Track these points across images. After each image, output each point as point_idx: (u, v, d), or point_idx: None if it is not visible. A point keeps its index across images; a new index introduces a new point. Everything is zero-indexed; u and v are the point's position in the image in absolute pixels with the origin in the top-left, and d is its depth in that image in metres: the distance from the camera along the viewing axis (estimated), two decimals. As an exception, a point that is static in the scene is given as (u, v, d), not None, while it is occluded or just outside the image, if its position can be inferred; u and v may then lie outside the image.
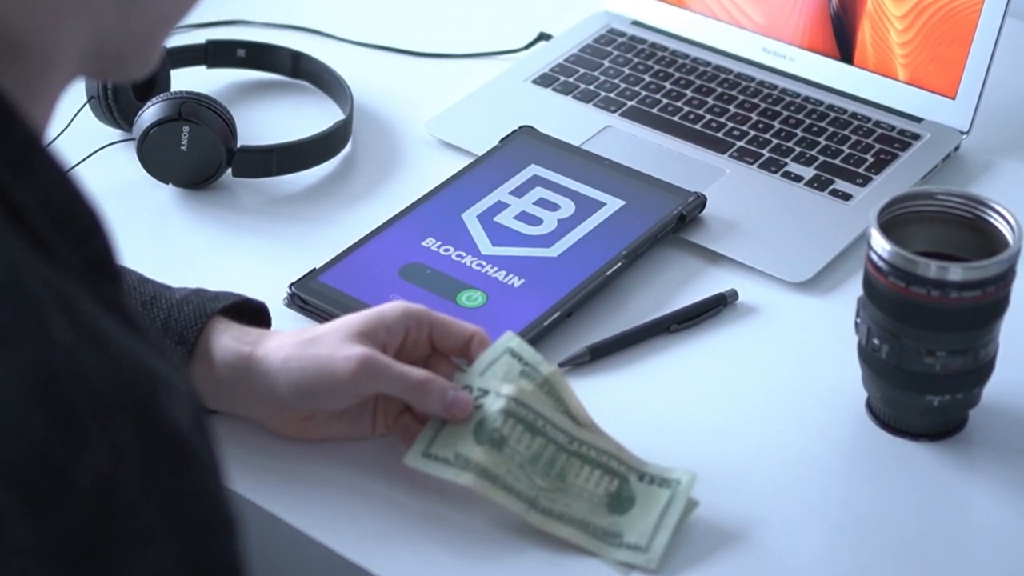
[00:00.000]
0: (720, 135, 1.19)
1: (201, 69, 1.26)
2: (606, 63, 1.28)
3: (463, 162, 1.16)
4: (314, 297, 1.02)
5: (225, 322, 0.91)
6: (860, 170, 1.16)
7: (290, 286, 1.03)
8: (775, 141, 1.18)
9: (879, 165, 1.16)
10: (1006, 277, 0.89)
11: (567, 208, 1.10)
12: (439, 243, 1.06)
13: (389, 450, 0.91)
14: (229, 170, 1.14)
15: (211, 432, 0.56)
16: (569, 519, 0.86)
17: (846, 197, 1.13)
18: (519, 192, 1.11)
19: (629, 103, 1.23)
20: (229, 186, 1.15)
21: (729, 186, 1.14)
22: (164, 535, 0.52)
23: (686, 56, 1.28)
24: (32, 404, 0.49)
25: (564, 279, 1.03)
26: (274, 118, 1.23)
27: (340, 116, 1.20)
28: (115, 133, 1.18)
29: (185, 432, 0.53)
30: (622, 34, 1.31)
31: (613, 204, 1.10)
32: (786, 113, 1.21)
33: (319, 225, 1.12)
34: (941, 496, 0.90)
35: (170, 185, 1.14)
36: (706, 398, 0.97)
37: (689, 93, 1.24)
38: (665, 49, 1.29)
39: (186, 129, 1.11)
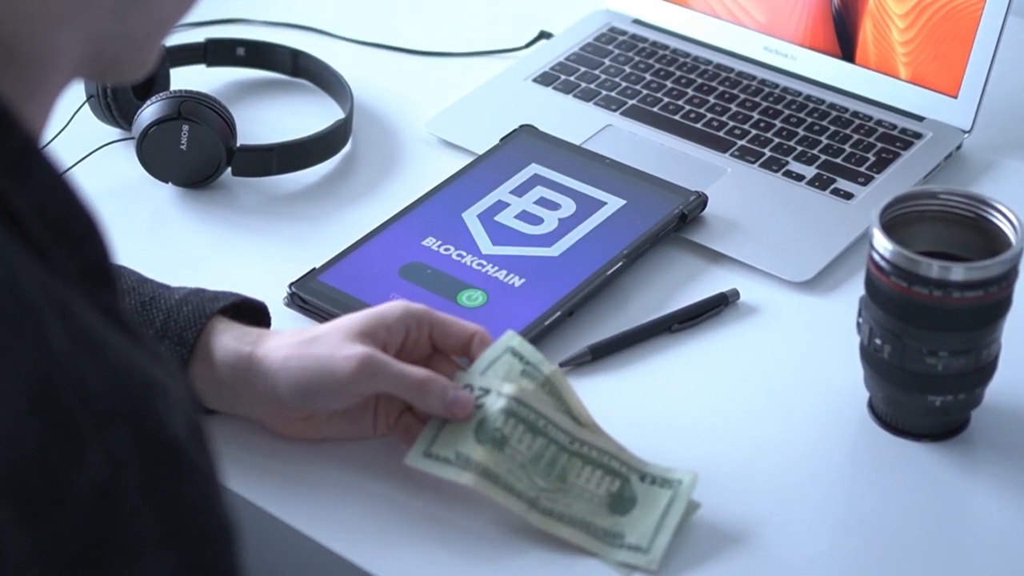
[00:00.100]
0: (721, 134, 1.19)
1: (200, 68, 1.26)
2: (607, 62, 1.27)
3: (463, 161, 1.15)
4: (314, 297, 1.01)
5: (225, 322, 0.91)
6: (862, 169, 1.15)
7: (290, 285, 1.02)
8: (776, 140, 1.18)
9: (881, 164, 1.16)
10: (1008, 277, 0.88)
11: (568, 207, 1.09)
12: (439, 242, 1.06)
13: (390, 450, 0.91)
14: (229, 169, 1.14)
15: (208, 439, 0.56)
16: (570, 519, 0.85)
17: (848, 196, 1.13)
18: (520, 191, 1.11)
19: (630, 102, 1.23)
20: (229, 185, 1.15)
21: (730, 185, 1.14)
22: (161, 543, 0.51)
23: (687, 55, 1.28)
24: (29, 411, 0.49)
25: (565, 278, 1.03)
26: (274, 117, 1.22)
27: (340, 115, 1.20)
28: (114, 132, 1.18)
29: (182, 440, 0.53)
30: (623, 32, 1.31)
31: (614, 203, 1.09)
32: (787, 112, 1.21)
33: (319, 224, 1.12)
34: (943, 496, 0.90)
35: (170, 184, 1.14)
36: (707, 398, 0.97)
37: (690, 92, 1.24)
38: (666, 48, 1.28)
39: (186, 128, 1.11)
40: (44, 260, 0.52)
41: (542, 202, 1.10)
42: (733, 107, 1.22)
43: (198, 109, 1.12)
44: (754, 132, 1.19)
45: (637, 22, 1.32)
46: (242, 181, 1.15)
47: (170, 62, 1.22)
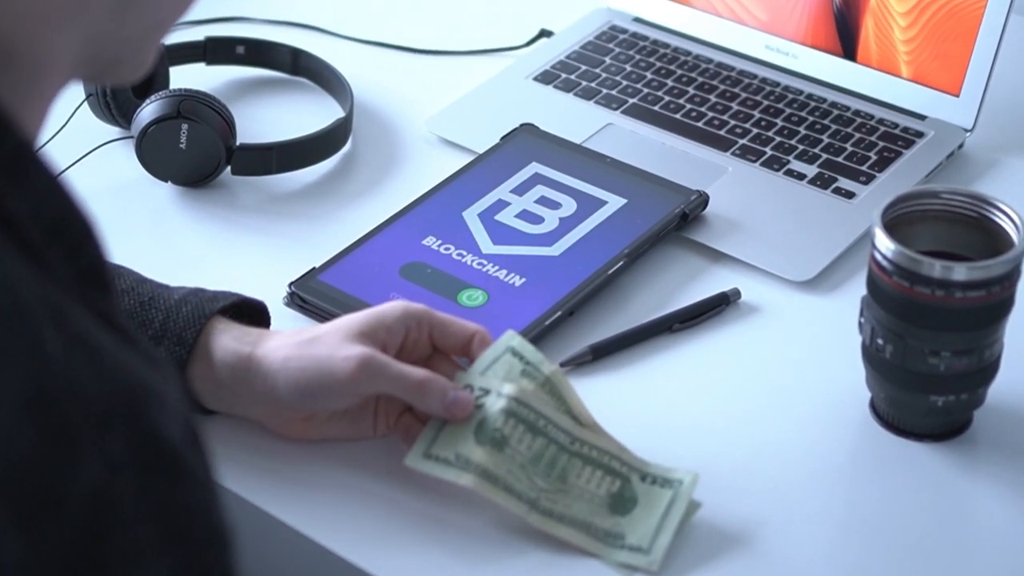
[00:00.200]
0: (722, 133, 1.19)
1: (200, 66, 1.26)
2: (608, 60, 1.27)
3: (464, 160, 1.15)
4: (314, 296, 1.01)
5: (224, 322, 0.90)
6: (863, 168, 1.15)
7: (290, 285, 1.02)
8: (778, 139, 1.18)
9: (882, 163, 1.16)
10: (1011, 277, 0.88)
11: (568, 206, 1.09)
12: (440, 242, 1.06)
13: (390, 451, 0.90)
14: (228, 168, 1.13)
15: (204, 443, 0.55)
16: (570, 520, 0.85)
17: (849, 195, 1.13)
18: (520, 190, 1.11)
19: (631, 100, 1.22)
20: (228, 184, 1.14)
21: (731, 184, 1.14)
22: (157, 549, 0.51)
23: (688, 53, 1.27)
24: (24, 417, 0.49)
25: (565, 278, 1.03)
26: (273, 115, 1.22)
27: (340, 114, 1.19)
28: (113, 131, 1.18)
29: (178, 445, 0.53)
30: (624, 31, 1.30)
31: (615, 202, 1.09)
32: (789, 111, 1.21)
33: (319, 223, 1.11)
34: (945, 497, 0.90)
35: (169, 183, 1.13)
36: (708, 398, 0.97)
37: (691, 90, 1.23)
38: (667, 46, 1.28)
39: (185, 127, 1.11)
40: (39, 264, 0.52)
41: (543, 201, 1.10)
42: (734, 106, 1.21)
43: (197, 108, 1.11)
44: (755, 131, 1.19)
45: (638, 20, 1.31)
46: (242, 180, 1.14)
47: (169, 60, 1.22)
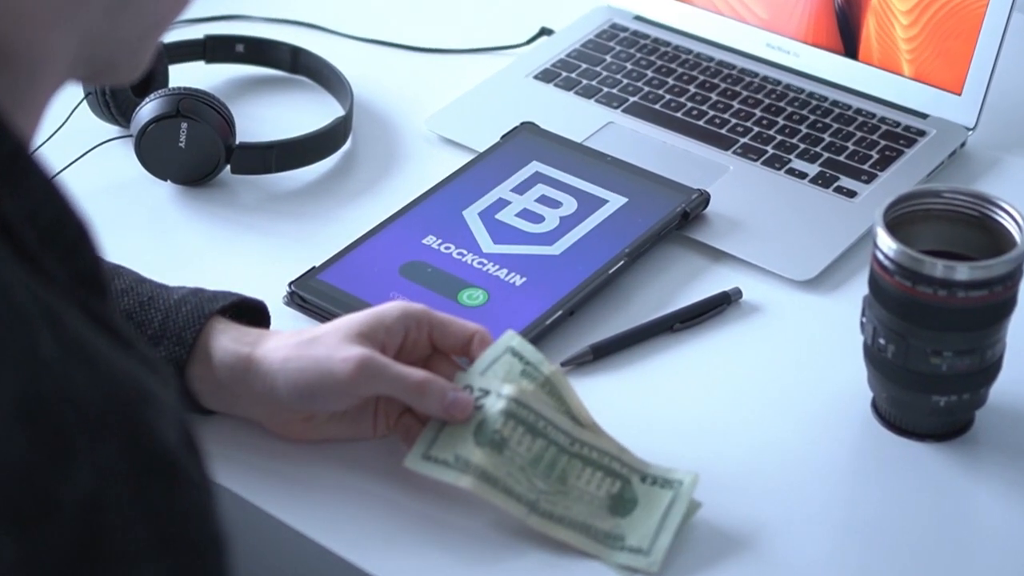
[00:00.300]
0: (724, 131, 1.19)
1: (199, 64, 1.25)
2: (608, 58, 1.27)
3: (464, 159, 1.15)
4: (314, 296, 1.01)
5: (224, 322, 0.90)
6: (865, 167, 1.15)
7: (289, 284, 1.02)
8: (779, 137, 1.18)
9: (884, 162, 1.15)
10: (1013, 276, 0.88)
11: (569, 205, 1.09)
12: (440, 241, 1.05)
13: (389, 451, 0.90)
14: (228, 167, 1.13)
15: (200, 447, 0.55)
16: (570, 522, 0.85)
17: (851, 194, 1.12)
18: (520, 189, 1.10)
19: (632, 99, 1.22)
20: (228, 183, 1.14)
21: (733, 183, 1.13)
22: (152, 554, 0.51)
23: (689, 51, 1.27)
24: (17, 421, 0.49)
25: (566, 277, 1.02)
26: (273, 114, 1.22)
27: (340, 112, 1.19)
28: (113, 129, 1.17)
29: (173, 449, 0.52)
30: (624, 29, 1.30)
31: (616, 201, 1.09)
32: (790, 109, 1.20)
33: (319, 222, 1.11)
34: (947, 497, 0.90)
35: (168, 182, 1.13)
36: (709, 398, 0.96)
37: (692, 89, 1.23)
38: (668, 44, 1.28)
39: (184, 125, 1.11)
40: (34, 267, 0.52)
41: (543, 200, 1.09)
42: (735, 104, 1.21)
43: (197, 106, 1.11)
44: (756, 129, 1.19)
45: (639, 19, 1.31)
46: (241, 179, 1.14)
47: (169, 59, 1.22)
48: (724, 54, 1.26)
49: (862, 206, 1.11)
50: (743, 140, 1.17)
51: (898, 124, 1.19)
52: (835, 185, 1.13)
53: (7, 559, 0.48)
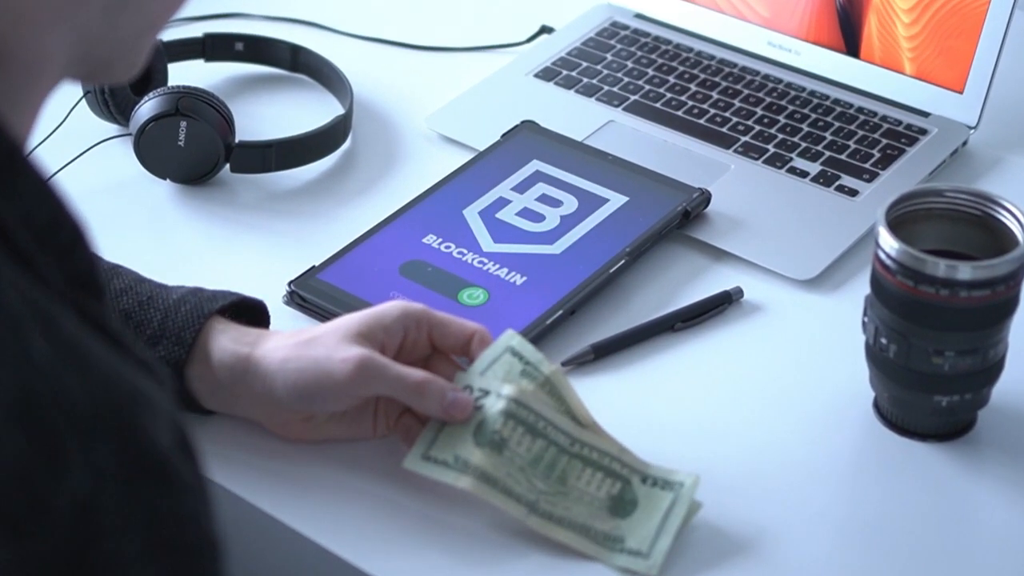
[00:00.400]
0: (725, 130, 1.18)
1: (199, 63, 1.25)
2: (609, 57, 1.26)
3: (464, 157, 1.14)
4: (313, 295, 1.01)
5: (223, 322, 0.90)
6: (867, 165, 1.14)
7: (289, 284, 1.01)
8: (780, 136, 1.17)
9: (886, 160, 1.15)
10: (1016, 276, 0.87)
11: (570, 204, 1.08)
12: (440, 240, 1.05)
13: (389, 451, 0.90)
14: (227, 166, 1.13)
15: (195, 450, 0.55)
16: (570, 523, 0.84)
17: (852, 193, 1.12)
18: (521, 188, 1.10)
19: (632, 97, 1.22)
20: (227, 182, 1.14)
21: (734, 182, 1.13)
22: (145, 558, 0.51)
23: (690, 50, 1.27)
24: (9, 425, 0.48)
25: (567, 277, 1.02)
26: (273, 113, 1.22)
27: (339, 111, 1.19)
28: (112, 128, 1.17)
29: (167, 453, 0.52)
30: (625, 27, 1.30)
31: (616, 200, 1.08)
32: (791, 108, 1.20)
33: (318, 221, 1.11)
34: (949, 497, 0.89)
35: (167, 181, 1.13)
36: (710, 398, 0.96)
37: (693, 87, 1.23)
38: (669, 43, 1.27)
39: (183, 124, 1.10)
40: (28, 269, 0.51)
41: (544, 199, 1.09)
42: (736, 103, 1.21)
43: (196, 105, 1.11)
44: (758, 128, 1.18)
45: (639, 17, 1.31)
46: (241, 178, 1.14)
47: (168, 57, 1.22)
48: (725, 52, 1.26)
49: (864, 205, 1.11)
50: (744, 139, 1.17)
51: (900, 123, 1.18)
52: (836, 184, 1.13)
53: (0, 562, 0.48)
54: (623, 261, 1.04)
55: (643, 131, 1.19)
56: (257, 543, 0.89)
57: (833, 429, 0.94)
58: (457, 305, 1.00)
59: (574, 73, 1.25)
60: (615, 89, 1.23)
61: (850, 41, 1.21)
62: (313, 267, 1.03)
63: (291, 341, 0.87)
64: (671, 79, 1.24)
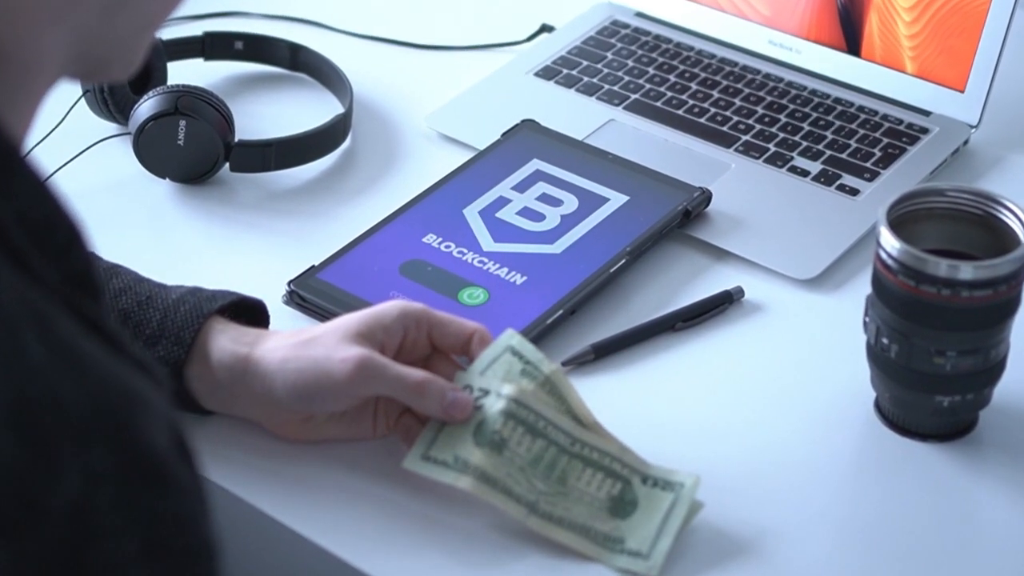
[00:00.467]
0: (725, 129, 1.18)
1: (198, 62, 1.25)
2: (609, 55, 1.26)
3: (464, 156, 1.14)
4: (313, 295, 1.00)
5: (223, 322, 0.90)
6: (868, 164, 1.14)
7: (289, 283, 1.01)
8: (781, 135, 1.17)
9: (887, 159, 1.15)
10: (1017, 276, 0.87)
11: (570, 204, 1.08)
12: (440, 239, 1.05)
13: (389, 452, 0.90)
14: (227, 165, 1.13)
15: (192, 452, 0.55)
16: (570, 524, 0.84)
17: (853, 192, 1.12)
18: (521, 187, 1.10)
19: (633, 96, 1.22)
20: (227, 181, 1.14)
21: (735, 181, 1.13)
22: (140, 561, 0.50)
23: (691, 48, 1.26)
24: (4, 427, 0.48)
25: (567, 276, 1.02)
26: (272, 112, 1.21)
27: (339, 109, 1.18)
28: (111, 127, 1.17)
29: (163, 455, 0.52)
30: (626, 26, 1.29)
31: (617, 199, 1.08)
32: (792, 106, 1.20)
33: (318, 221, 1.10)
34: (950, 497, 0.89)
35: (167, 180, 1.13)
36: (711, 397, 0.96)
37: (694, 86, 1.22)
38: (669, 41, 1.27)
39: (183, 123, 1.10)
40: (24, 270, 0.51)
41: (544, 198, 1.09)
42: (737, 102, 1.21)
43: (195, 104, 1.10)
44: (758, 127, 1.18)
45: (640, 15, 1.30)
46: (240, 177, 1.14)
47: (167, 56, 1.21)
48: (726, 51, 1.26)
49: (865, 204, 1.11)
50: (745, 138, 1.17)
51: (901, 122, 1.18)
52: (837, 183, 1.13)
53: None
54: (623, 260, 1.03)
55: (644, 130, 1.19)
56: (256, 543, 0.89)
57: (834, 429, 0.93)
58: (457, 305, 0.99)
59: (574, 72, 1.24)
60: (615, 88, 1.22)
61: (851, 40, 1.21)
62: (313, 267, 1.03)
63: (290, 341, 0.87)
64: (672, 78, 1.23)
